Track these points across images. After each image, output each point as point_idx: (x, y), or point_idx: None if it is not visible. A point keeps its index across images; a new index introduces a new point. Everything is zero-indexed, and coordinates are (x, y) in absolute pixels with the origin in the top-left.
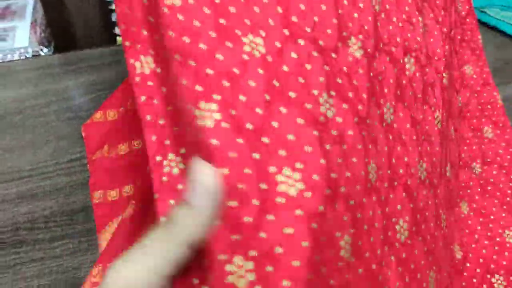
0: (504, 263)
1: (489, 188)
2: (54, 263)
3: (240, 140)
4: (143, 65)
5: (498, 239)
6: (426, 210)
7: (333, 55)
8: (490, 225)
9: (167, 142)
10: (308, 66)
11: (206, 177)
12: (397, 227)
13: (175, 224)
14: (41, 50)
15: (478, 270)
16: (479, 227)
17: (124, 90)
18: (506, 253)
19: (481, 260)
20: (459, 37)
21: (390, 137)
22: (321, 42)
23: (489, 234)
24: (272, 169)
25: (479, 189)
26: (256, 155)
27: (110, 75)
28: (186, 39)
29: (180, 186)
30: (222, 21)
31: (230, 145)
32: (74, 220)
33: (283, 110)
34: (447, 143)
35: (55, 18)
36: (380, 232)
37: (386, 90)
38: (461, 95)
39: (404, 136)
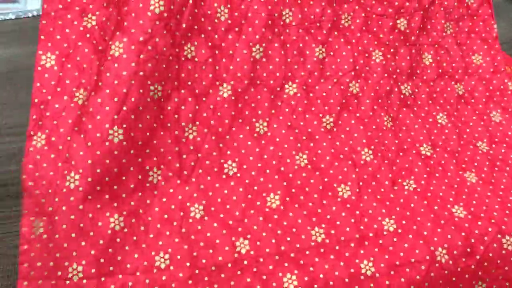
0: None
1: (498, 163)
2: None
3: None
4: None
5: (509, 204)
6: (306, 186)
7: (204, 99)
8: (500, 193)
9: None
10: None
11: None
12: (268, 198)
13: None
14: None
15: (490, 229)
16: (489, 193)
17: None
18: None
19: (492, 221)
20: (466, 29)
21: (263, 142)
22: (197, 91)
23: (499, 199)
24: None
25: (487, 163)
26: None
27: None
28: None
29: None
30: None
31: None
32: None
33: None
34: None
35: None
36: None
37: (259, 112)
38: (464, 83)
39: (278, 138)
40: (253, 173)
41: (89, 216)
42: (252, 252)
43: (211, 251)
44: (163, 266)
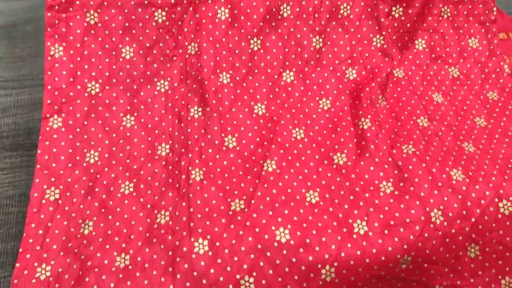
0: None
1: (496, 136)
2: None
3: None
4: None
5: (508, 171)
6: (302, 155)
7: (206, 82)
8: (499, 161)
9: None
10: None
11: None
12: (265, 164)
13: None
14: None
15: (487, 193)
16: (487, 161)
17: None
18: None
19: (490, 185)
20: (465, 13)
21: (261, 121)
22: (199, 77)
23: (497, 167)
24: None
25: (485, 136)
26: None
27: None
28: None
29: None
30: None
31: None
32: None
33: None
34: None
35: None
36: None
37: (258, 96)
38: (459, 66)
39: (275, 117)
40: (251, 146)
41: (103, 183)
42: (246, 210)
43: (207, 209)
44: (163, 221)
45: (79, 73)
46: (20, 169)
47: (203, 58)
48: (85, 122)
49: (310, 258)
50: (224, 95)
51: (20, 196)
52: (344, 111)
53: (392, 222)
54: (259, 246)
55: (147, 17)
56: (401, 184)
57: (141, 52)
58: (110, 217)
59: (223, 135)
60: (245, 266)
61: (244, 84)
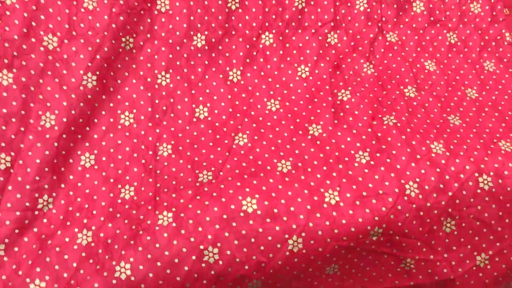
0: (496, 165)
1: (486, 109)
2: None
3: None
4: None
5: (492, 146)
6: (276, 127)
7: (178, 48)
8: (484, 135)
9: None
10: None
11: None
12: (236, 137)
13: None
14: None
15: (467, 167)
16: (471, 135)
17: None
18: (500, 158)
19: (471, 159)
20: None
21: (235, 89)
22: (170, 41)
23: (481, 141)
24: None
25: (474, 109)
26: None
27: None
28: None
29: None
30: None
31: None
32: None
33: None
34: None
35: None
36: None
37: (234, 61)
38: (458, 32)
39: (250, 87)
40: (223, 117)
41: (62, 153)
42: (214, 181)
43: (174, 182)
44: (127, 196)
45: (34, 24)
46: None
47: (175, 19)
48: (40, 80)
49: (277, 228)
50: (197, 60)
51: None
52: (322, 80)
53: (364, 193)
54: (225, 216)
55: None
56: (378, 154)
57: (105, 1)
58: (71, 193)
59: (194, 106)
60: (209, 237)
61: (220, 47)
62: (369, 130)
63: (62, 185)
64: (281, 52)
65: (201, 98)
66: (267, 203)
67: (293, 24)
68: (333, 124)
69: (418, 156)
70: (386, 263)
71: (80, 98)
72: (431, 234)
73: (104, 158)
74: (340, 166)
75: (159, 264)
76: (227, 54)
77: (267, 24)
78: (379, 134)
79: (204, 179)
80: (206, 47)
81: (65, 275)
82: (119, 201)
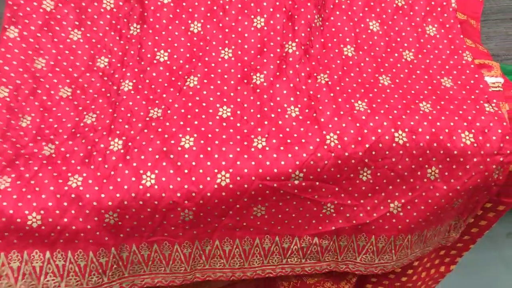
0: (412, 123)
1: (418, 72)
2: None
3: None
4: None
5: (413, 106)
6: (225, 74)
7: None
8: (408, 96)
9: None
10: None
11: None
12: (188, 79)
13: None
14: None
15: (385, 123)
16: (396, 96)
17: None
18: (417, 117)
19: (390, 117)
20: None
21: (195, 39)
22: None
23: (404, 101)
24: None
25: (406, 71)
26: None
27: None
28: None
29: None
30: None
31: None
32: None
33: None
34: None
35: None
36: None
37: (196, 15)
38: None
39: (208, 37)
40: (181, 61)
41: (46, 86)
42: (161, 118)
43: (129, 114)
44: (89, 122)
45: None
46: None
47: None
48: (38, 34)
49: (208, 163)
50: (163, 14)
51: None
52: (276, 31)
53: (289, 141)
54: (165, 149)
55: None
56: (307, 110)
57: None
58: (46, 114)
59: (156, 49)
60: (149, 164)
61: (184, 4)
62: (303, 87)
63: (41, 109)
64: (239, 6)
65: (163, 44)
66: (203, 142)
67: None
68: (275, 75)
69: (342, 112)
70: (310, 210)
71: (66, 47)
72: (349, 181)
73: (78, 91)
74: (272, 115)
75: (105, 181)
76: (190, 10)
77: None
78: (311, 92)
79: (154, 115)
80: (172, 4)
81: (27, 175)
82: (82, 124)
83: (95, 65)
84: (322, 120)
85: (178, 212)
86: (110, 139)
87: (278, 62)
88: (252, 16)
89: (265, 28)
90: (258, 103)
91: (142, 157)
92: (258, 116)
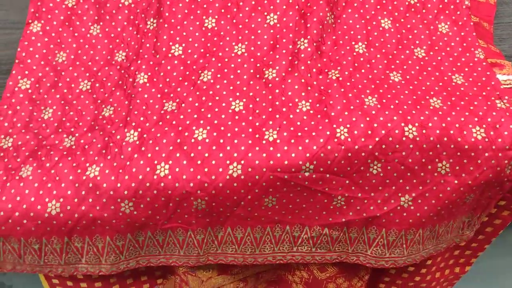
0: (422, 118)
1: (429, 69)
2: None
3: None
4: None
5: (423, 102)
6: (238, 69)
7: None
8: (419, 92)
9: None
10: None
11: None
12: (202, 74)
13: None
14: None
15: (395, 118)
16: (407, 92)
17: None
18: (427, 112)
19: (400, 112)
20: None
21: (209, 34)
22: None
23: (414, 97)
24: None
25: (417, 67)
26: None
27: None
28: None
29: None
30: None
31: None
32: None
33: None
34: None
35: None
36: None
37: (210, 11)
38: None
39: (222, 32)
40: (195, 56)
41: (67, 80)
42: (176, 111)
43: (144, 107)
44: (107, 114)
45: None
46: None
47: None
48: (60, 29)
49: (221, 154)
50: (178, 9)
51: None
52: (288, 28)
53: (299, 134)
54: (178, 141)
55: None
56: (317, 105)
57: None
58: (66, 107)
59: (171, 43)
60: (163, 155)
61: (199, 0)
62: (315, 83)
63: (62, 102)
64: (253, 2)
65: (178, 39)
66: (216, 134)
67: None
68: (287, 71)
69: (352, 107)
70: (320, 201)
71: (86, 42)
72: (359, 174)
73: (97, 85)
74: (284, 109)
75: (120, 171)
76: (204, 6)
77: None
78: (322, 87)
79: (168, 108)
80: (187, 0)
81: (48, 165)
82: (100, 117)
83: (113, 59)
84: (333, 114)
85: (191, 201)
86: (126, 131)
87: (290, 58)
88: (265, 13)
89: (278, 25)
90: (270, 97)
91: (157, 148)
92: (270, 110)
